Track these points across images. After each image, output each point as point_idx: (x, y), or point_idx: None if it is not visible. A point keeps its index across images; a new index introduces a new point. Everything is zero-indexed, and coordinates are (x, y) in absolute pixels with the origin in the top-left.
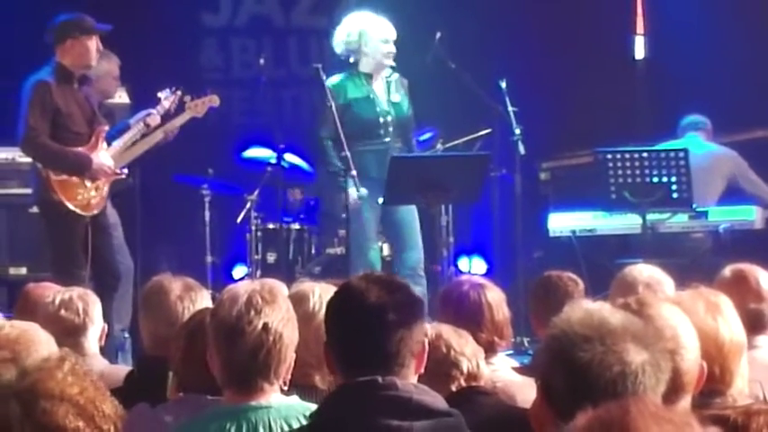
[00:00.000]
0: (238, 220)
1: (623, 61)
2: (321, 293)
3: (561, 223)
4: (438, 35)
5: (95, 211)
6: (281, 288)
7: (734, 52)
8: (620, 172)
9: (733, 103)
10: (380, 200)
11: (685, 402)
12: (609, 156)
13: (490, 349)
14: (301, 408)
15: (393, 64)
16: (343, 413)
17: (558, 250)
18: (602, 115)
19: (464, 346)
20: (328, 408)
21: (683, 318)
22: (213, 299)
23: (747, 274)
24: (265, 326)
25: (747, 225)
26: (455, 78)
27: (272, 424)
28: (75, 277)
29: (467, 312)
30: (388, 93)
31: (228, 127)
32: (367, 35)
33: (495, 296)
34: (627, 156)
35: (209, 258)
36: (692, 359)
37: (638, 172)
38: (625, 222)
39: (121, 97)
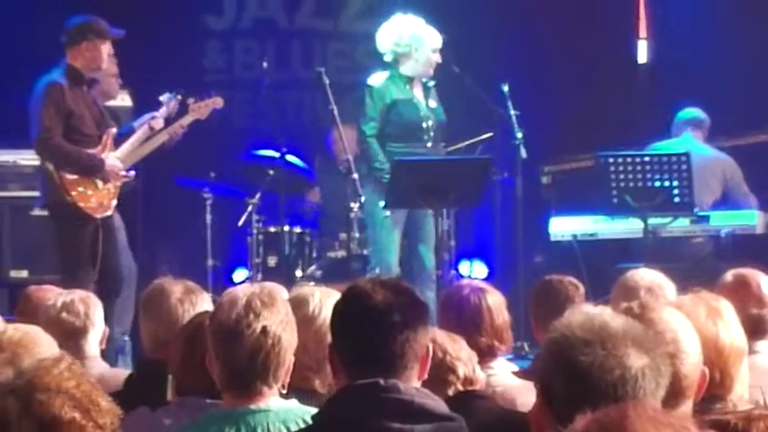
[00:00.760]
0: (240, 223)
1: (626, 65)
2: (321, 297)
3: (562, 227)
4: (441, 38)
5: (107, 213)
6: (280, 291)
7: (736, 56)
8: (621, 176)
9: (735, 107)
10: (381, 203)
11: (686, 407)
12: (610, 160)
13: (490, 353)
14: (300, 411)
15: (432, 72)
16: (344, 415)
17: (560, 254)
18: (603, 119)
19: (459, 351)
20: (330, 410)
21: (685, 322)
22: (214, 302)
23: (749, 279)
24: (264, 329)
25: (749, 230)
26: (457, 82)
27: (271, 427)
28: (81, 280)
29: (467, 316)
30: (426, 98)
31: (231, 130)
32: (421, 41)
33: (495, 300)
34: (628, 160)
35: (210, 261)
36: (692, 363)
37: (639, 176)
38: (626, 227)
39: (124, 100)
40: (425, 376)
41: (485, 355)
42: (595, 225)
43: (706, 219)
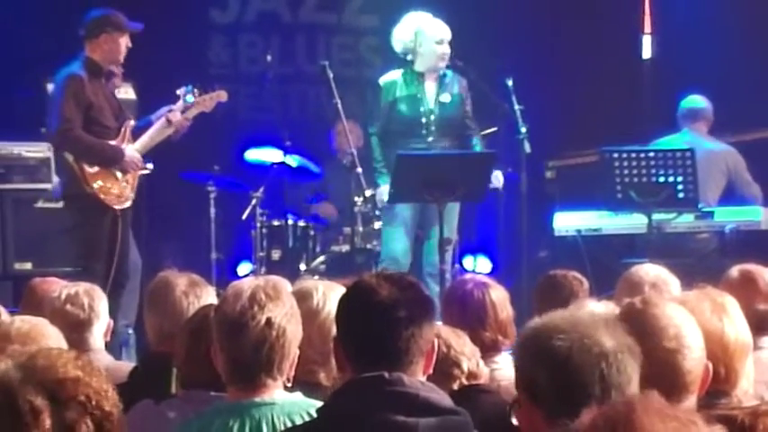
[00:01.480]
0: (243, 216)
1: (630, 60)
2: (325, 290)
3: (567, 222)
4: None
5: (126, 204)
6: (285, 284)
7: (741, 51)
8: (626, 171)
9: (740, 103)
10: (385, 197)
11: (690, 402)
12: (615, 155)
13: (494, 348)
14: (305, 405)
15: (444, 64)
16: (349, 408)
17: (564, 249)
18: (608, 114)
19: (463, 346)
20: (335, 403)
21: (688, 317)
22: (218, 295)
23: (755, 275)
24: (268, 321)
25: (753, 225)
26: (461, 76)
27: (276, 421)
28: (97, 272)
29: (471, 311)
30: (437, 92)
31: (235, 123)
32: (423, 35)
33: (498, 295)
34: (633, 155)
35: (213, 255)
36: (695, 359)
37: (644, 172)
38: (631, 222)
39: (128, 93)
40: (430, 371)
41: (489, 350)
42: (600, 220)
43: (710, 214)
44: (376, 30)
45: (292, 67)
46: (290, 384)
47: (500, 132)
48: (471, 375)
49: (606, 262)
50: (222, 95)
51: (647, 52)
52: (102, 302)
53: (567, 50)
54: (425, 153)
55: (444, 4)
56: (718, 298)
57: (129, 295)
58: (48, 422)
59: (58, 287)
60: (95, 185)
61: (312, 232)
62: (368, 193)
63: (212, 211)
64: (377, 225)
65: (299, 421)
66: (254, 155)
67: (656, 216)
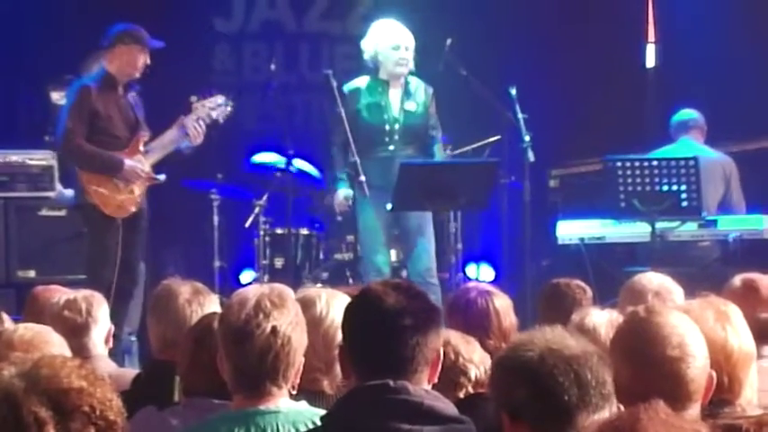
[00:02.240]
0: (247, 224)
1: (634, 69)
2: (328, 299)
3: (570, 231)
4: (448, 42)
5: (128, 214)
6: (290, 293)
7: (745, 61)
8: (629, 180)
9: (744, 112)
10: (389, 206)
11: (693, 411)
12: (618, 164)
13: None
14: (310, 413)
15: (405, 71)
16: (354, 416)
17: (567, 258)
18: (612, 123)
19: (472, 353)
20: (339, 410)
21: (691, 326)
22: (221, 303)
23: (758, 284)
24: (274, 329)
25: (756, 234)
26: (464, 84)
27: (281, 429)
28: (104, 280)
29: (474, 319)
30: (402, 101)
31: (238, 132)
32: (378, 43)
33: (502, 303)
34: (636, 164)
35: (216, 263)
36: (699, 368)
37: (647, 180)
38: (634, 231)
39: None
40: (436, 380)
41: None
42: (603, 229)
43: (714, 223)
44: None
45: (296, 76)
46: (294, 392)
47: (503, 141)
48: (478, 384)
49: (609, 270)
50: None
51: (650, 61)
52: (101, 308)
53: (570, 59)
54: (428, 162)
55: (448, 13)
56: (722, 307)
57: (132, 302)
58: None
59: (59, 294)
60: (93, 195)
61: (315, 240)
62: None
63: (215, 218)
64: None
65: (303, 430)
66: (260, 158)
67: (659, 224)
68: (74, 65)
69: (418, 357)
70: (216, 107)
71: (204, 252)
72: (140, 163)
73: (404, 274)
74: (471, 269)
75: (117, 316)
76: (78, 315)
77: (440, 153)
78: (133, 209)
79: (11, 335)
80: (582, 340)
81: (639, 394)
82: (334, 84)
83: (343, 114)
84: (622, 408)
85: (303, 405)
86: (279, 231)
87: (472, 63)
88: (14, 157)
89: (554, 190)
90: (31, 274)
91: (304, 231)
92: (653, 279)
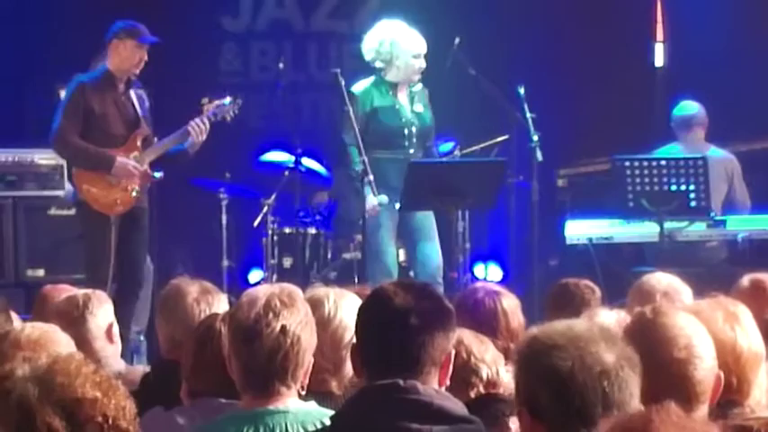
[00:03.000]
0: (255, 224)
1: (642, 68)
2: (336, 299)
3: (578, 231)
4: (457, 40)
5: (120, 212)
6: (300, 293)
7: (754, 60)
8: (637, 180)
9: (752, 111)
10: (397, 205)
11: (701, 412)
12: (626, 163)
13: (505, 356)
14: (319, 414)
15: (418, 78)
16: (363, 415)
17: (575, 258)
18: (620, 122)
19: (484, 353)
20: (349, 410)
21: (699, 327)
22: (230, 303)
23: (766, 284)
24: (283, 328)
25: (765, 234)
26: (473, 84)
27: (290, 429)
28: (102, 278)
29: (482, 319)
30: (411, 103)
31: (246, 131)
32: (399, 48)
33: (510, 303)
34: (645, 163)
35: (225, 262)
36: (706, 369)
37: (655, 180)
38: (642, 230)
39: None
40: (447, 382)
41: None
42: (611, 229)
43: (723, 223)
44: None
45: (304, 75)
46: (304, 393)
47: (511, 140)
48: (490, 383)
49: (617, 270)
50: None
51: (659, 60)
52: (100, 304)
53: (578, 58)
54: (436, 161)
55: (456, 12)
56: (731, 307)
57: (141, 302)
58: None
59: (67, 293)
60: (84, 191)
61: (323, 240)
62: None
63: (224, 218)
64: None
65: (312, 430)
66: (269, 156)
67: (667, 224)
68: (82, 64)
69: (424, 358)
70: (221, 107)
71: (212, 251)
72: (137, 160)
73: (411, 273)
74: (479, 269)
75: (122, 315)
76: (75, 309)
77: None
78: (129, 206)
79: (18, 334)
80: (617, 343)
81: (647, 396)
82: (343, 82)
83: (352, 113)
84: None
85: (312, 405)
86: (287, 231)
87: (480, 62)
88: (23, 156)
89: (562, 190)
90: (40, 273)
91: (312, 231)
92: (662, 279)
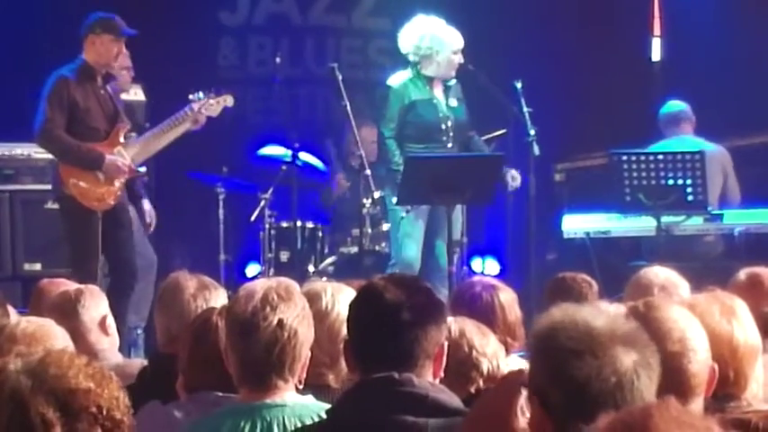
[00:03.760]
0: (252, 218)
1: (639, 63)
2: (333, 292)
3: (575, 225)
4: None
5: (108, 206)
6: (297, 287)
7: (751, 54)
8: (634, 174)
9: (749, 105)
10: (394, 200)
11: (696, 405)
12: (624, 158)
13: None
14: (316, 407)
15: (454, 73)
16: (359, 409)
17: (572, 252)
18: (617, 117)
19: (486, 347)
20: (345, 403)
21: (692, 320)
22: (228, 297)
23: (763, 278)
24: (280, 322)
25: (763, 228)
26: (470, 78)
27: (287, 422)
28: (91, 272)
29: (479, 313)
30: (446, 97)
31: (244, 125)
32: (442, 44)
33: (507, 297)
34: (642, 158)
35: (222, 256)
36: (700, 361)
37: (653, 174)
38: (639, 225)
39: (137, 94)
40: (441, 374)
41: None
42: (608, 223)
43: (720, 217)
44: (385, 32)
45: (301, 70)
46: (301, 387)
47: (509, 135)
48: (490, 378)
49: (615, 264)
50: (229, 101)
51: (656, 54)
52: (93, 297)
53: (575, 53)
54: (434, 155)
55: (454, 7)
56: (728, 301)
57: (141, 293)
58: None
59: (64, 287)
60: (72, 187)
61: (320, 234)
62: (376, 194)
63: (221, 212)
64: (385, 227)
65: (309, 423)
66: (266, 150)
67: (664, 219)
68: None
69: (417, 352)
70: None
71: (209, 245)
72: (120, 155)
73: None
74: (476, 263)
75: (117, 309)
76: (67, 302)
77: (479, 144)
78: (113, 201)
79: (13, 328)
80: (636, 344)
81: None
82: (340, 77)
83: (349, 109)
84: None
85: (309, 399)
86: (284, 225)
87: (478, 57)
88: (20, 150)
89: (559, 184)
90: (37, 266)
91: (309, 225)
92: (659, 273)
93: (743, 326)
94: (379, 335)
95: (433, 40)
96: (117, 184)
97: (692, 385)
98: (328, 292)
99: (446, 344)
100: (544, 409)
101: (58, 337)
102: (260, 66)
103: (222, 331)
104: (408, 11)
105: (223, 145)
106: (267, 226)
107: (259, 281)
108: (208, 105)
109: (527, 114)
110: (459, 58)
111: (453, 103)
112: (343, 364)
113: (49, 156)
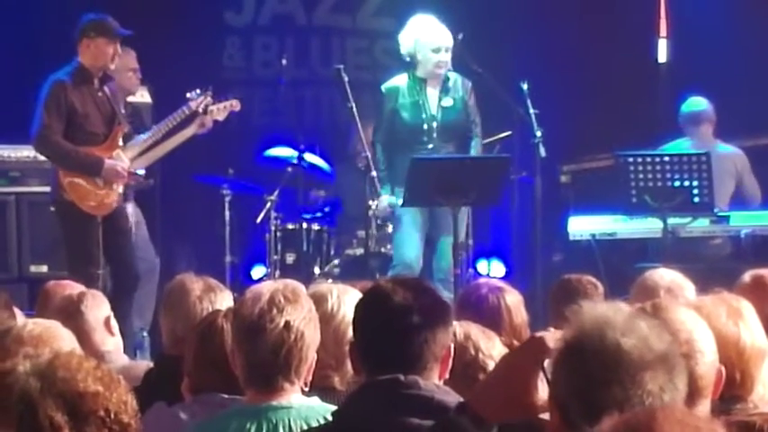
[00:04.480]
0: (258, 220)
1: (646, 64)
2: (339, 294)
3: (581, 227)
4: (460, 36)
5: (107, 211)
6: (303, 288)
7: (757, 55)
8: (641, 176)
9: (757, 106)
10: (399, 201)
11: (703, 407)
12: (630, 159)
13: None
14: (322, 410)
15: (443, 72)
16: (364, 411)
17: (578, 254)
18: (623, 118)
19: (491, 349)
20: (350, 405)
21: (699, 322)
22: (234, 300)
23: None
24: (287, 324)
25: None
26: (476, 79)
27: (293, 425)
28: (90, 276)
29: (485, 316)
30: (440, 98)
31: (249, 127)
32: (419, 43)
33: (513, 299)
34: (648, 159)
35: (228, 258)
36: (708, 363)
37: (659, 176)
38: (645, 226)
39: (144, 96)
40: (447, 376)
41: None
42: (614, 224)
43: (726, 219)
44: (391, 33)
45: (307, 71)
46: (307, 389)
47: (515, 136)
48: None
49: (620, 266)
50: (235, 105)
51: (662, 56)
52: (95, 299)
53: (582, 54)
54: (439, 157)
55: (459, 8)
56: (734, 303)
57: (145, 296)
58: None
59: (71, 289)
60: (71, 192)
61: (326, 236)
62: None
63: (227, 214)
64: (391, 228)
65: (315, 426)
66: (272, 152)
67: (671, 220)
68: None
69: (426, 354)
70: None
71: (215, 247)
72: (119, 159)
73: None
74: (482, 265)
75: (120, 312)
76: (70, 304)
77: (476, 149)
78: (114, 204)
79: (20, 330)
80: (662, 367)
81: None
82: (345, 78)
83: (355, 110)
84: None
85: (315, 401)
86: (290, 227)
87: (484, 58)
88: (26, 152)
89: (565, 185)
90: (44, 268)
91: (315, 227)
92: (665, 275)
93: (749, 328)
94: (389, 338)
95: (413, 41)
96: (115, 187)
97: (699, 387)
98: (334, 294)
99: (452, 346)
100: (564, 418)
101: (64, 339)
102: (265, 67)
103: (228, 333)
104: (413, 11)
105: (229, 147)
106: (273, 228)
107: (265, 283)
108: (209, 105)
109: (533, 116)
110: (440, 57)
111: (448, 102)
112: (348, 366)
113: None
